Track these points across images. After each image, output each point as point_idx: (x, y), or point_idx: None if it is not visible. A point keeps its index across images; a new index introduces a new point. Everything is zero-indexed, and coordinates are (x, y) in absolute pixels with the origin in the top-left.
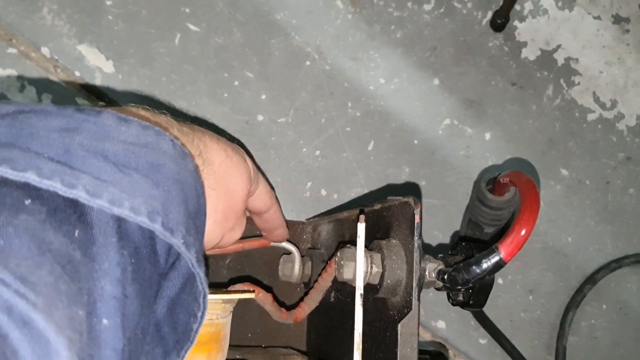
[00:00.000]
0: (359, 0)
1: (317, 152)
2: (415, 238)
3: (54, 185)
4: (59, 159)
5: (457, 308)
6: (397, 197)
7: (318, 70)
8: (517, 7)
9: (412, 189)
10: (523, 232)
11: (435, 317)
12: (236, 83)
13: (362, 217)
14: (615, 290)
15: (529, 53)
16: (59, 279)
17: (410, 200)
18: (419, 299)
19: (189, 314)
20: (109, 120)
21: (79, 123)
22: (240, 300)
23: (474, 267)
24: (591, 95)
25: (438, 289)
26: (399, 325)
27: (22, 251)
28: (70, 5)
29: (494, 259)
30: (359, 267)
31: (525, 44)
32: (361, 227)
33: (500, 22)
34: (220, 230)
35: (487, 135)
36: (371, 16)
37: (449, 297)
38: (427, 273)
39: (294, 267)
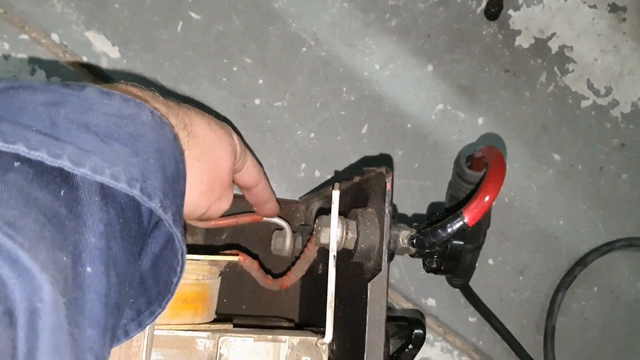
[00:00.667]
0: None
1: (312, 135)
2: (386, 204)
3: (42, 155)
4: (45, 131)
5: (448, 287)
6: (373, 168)
7: (314, 57)
8: None
9: (387, 162)
10: (487, 198)
11: (426, 295)
12: (235, 68)
13: (336, 184)
14: (606, 273)
15: (523, 41)
16: (44, 228)
17: (383, 170)
18: (388, 261)
19: (170, 269)
20: (92, 94)
21: (64, 97)
22: (234, 273)
23: (439, 230)
24: (585, 82)
25: (412, 256)
26: (369, 284)
27: (10, 203)
28: None
29: (458, 223)
30: (333, 232)
31: (519, 32)
32: (335, 194)
33: (493, 10)
34: (207, 200)
35: (480, 120)
36: (367, 4)
37: (424, 264)
38: (400, 240)
39: (285, 242)
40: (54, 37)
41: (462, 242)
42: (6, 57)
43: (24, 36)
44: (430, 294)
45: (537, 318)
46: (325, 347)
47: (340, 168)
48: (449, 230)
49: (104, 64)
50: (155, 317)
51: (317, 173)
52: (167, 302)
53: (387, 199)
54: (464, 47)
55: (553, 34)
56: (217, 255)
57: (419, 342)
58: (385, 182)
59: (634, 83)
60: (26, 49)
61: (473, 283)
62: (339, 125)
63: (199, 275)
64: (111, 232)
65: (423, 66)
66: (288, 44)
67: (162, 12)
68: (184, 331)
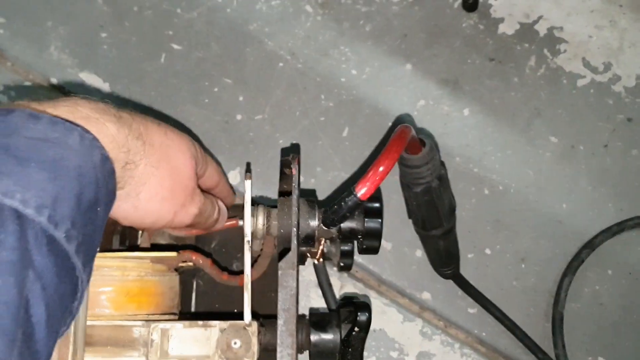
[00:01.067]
0: (327, 3)
1: (293, 142)
2: (293, 185)
3: None
4: None
5: (442, 279)
6: (286, 157)
7: (291, 70)
8: None
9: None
10: (380, 169)
11: (420, 289)
12: (216, 89)
13: (248, 174)
14: (621, 254)
15: (507, 28)
16: None
17: (290, 157)
18: (297, 240)
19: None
20: (17, 118)
21: None
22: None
23: (336, 207)
24: (580, 61)
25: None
26: (279, 264)
27: None
28: (71, 41)
29: (352, 199)
30: (247, 219)
31: (502, 19)
32: (247, 183)
33: (471, 1)
34: (170, 206)
35: (466, 112)
36: (339, 15)
37: (359, 249)
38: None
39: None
40: (53, 80)
41: (379, 220)
42: (12, 100)
43: (28, 83)
44: (425, 287)
45: (545, 306)
46: (254, 330)
47: (323, 171)
48: (344, 206)
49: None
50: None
51: (301, 178)
52: (70, 320)
53: (294, 183)
54: (443, 41)
55: (540, 17)
56: (153, 252)
57: (364, 325)
58: (290, 168)
59: (637, 55)
60: (30, 94)
61: (469, 274)
62: (319, 131)
63: (140, 272)
64: (26, 248)
65: (401, 65)
66: (265, 61)
67: (146, 47)
68: (120, 320)
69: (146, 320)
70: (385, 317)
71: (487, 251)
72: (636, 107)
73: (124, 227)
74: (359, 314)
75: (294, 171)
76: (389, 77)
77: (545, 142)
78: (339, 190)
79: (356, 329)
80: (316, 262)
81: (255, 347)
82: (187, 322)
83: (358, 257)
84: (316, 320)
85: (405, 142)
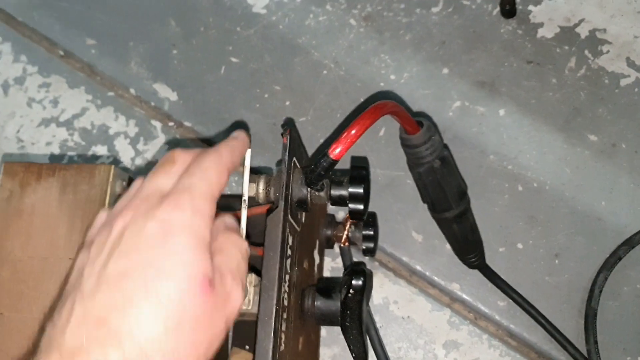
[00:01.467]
0: (370, 15)
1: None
2: (285, 154)
3: None
4: None
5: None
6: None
7: (334, 76)
8: None
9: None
10: (352, 131)
11: (450, 280)
12: (266, 95)
13: (248, 150)
14: None
15: (546, 32)
16: None
17: (284, 130)
18: (285, 199)
19: None
20: None
21: None
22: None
23: (312, 167)
24: (624, 61)
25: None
26: (267, 219)
27: None
28: (148, 57)
29: (327, 159)
30: (245, 183)
31: (541, 24)
32: (248, 152)
33: (509, 7)
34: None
35: (502, 112)
36: (381, 26)
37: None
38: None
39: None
40: (132, 91)
41: (361, 185)
42: (98, 109)
43: (111, 93)
44: (454, 278)
45: (579, 302)
46: (251, 280)
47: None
48: (319, 165)
49: (166, 106)
50: None
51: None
52: None
53: (283, 150)
54: (480, 46)
55: (581, 20)
56: None
57: (359, 289)
58: (284, 138)
59: None
60: (112, 102)
61: (500, 267)
62: None
63: None
64: None
65: (438, 70)
66: (311, 69)
67: (209, 61)
68: None
69: None
70: (413, 305)
71: (520, 246)
72: None
73: None
74: (353, 277)
75: (285, 140)
76: (426, 81)
77: (584, 141)
78: (375, 184)
79: (351, 291)
80: (342, 245)
81: (251, 296)
82: None
83: (388, 247)
84: (322, 287)
85: (382, 112)
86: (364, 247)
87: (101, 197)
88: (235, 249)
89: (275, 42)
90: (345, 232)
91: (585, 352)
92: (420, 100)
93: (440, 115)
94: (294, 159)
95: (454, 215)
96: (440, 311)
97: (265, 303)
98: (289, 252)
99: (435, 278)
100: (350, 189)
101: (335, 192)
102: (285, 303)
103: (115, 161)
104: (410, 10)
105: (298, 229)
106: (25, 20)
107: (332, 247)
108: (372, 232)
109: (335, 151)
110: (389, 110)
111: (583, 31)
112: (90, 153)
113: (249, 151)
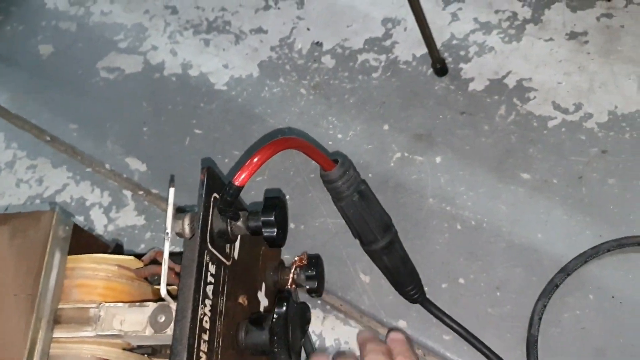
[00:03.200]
0: (319, 84)
1: (287, 197)
2: (201, 189)
3: None
4: None
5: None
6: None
7: None
8: (461, 52)
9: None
10: (254, 160)
11: (396, 317)
12: (226, 160)
13: (172, 183)
14: (602, 279)
15: (477, 85)
16: None
17: (202, 169)
18: (200, 228)
19: None
20: None
21: None
22: None
23: (221, 197)
24: (550, 104)
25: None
26: (184, 246)
27: None
28: (122, 135)
29: (232, 187)
30: (168, 218)
31: (472, 79)
32: (171, 191)
33: (439, 66)
34: None
35: (438, 159)
36: (328, 93)
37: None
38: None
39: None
40: (107, 166)
41: (272, 213)
42: (77, 183)
43: (89, 169)
44: (401, 315)
45: (522, 332)
46: (174, 307)
47: (312, 218)
48: (226, 193)
49: (136, 177)
50: None
51: (292, 225)
52: None
53: (201, 186)
54: (417, 103)
55: (509, 72)
56: (122, 257)
57: (283, 315)
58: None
59: (608, 93)
60: (90, 177)
61: (443, 303)
62: (310, 185)
63: (107, 273)
64: None
65: (379, 126)
66: (267, 134)
67: (176, 134)
68: (81, 304)
69: (100, 303)
70: None
71: (461, 281)
72: (610, 139)
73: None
74: (277, 304)
75: (202, 176)
76: (369, 137)
77: (517, 179)
78: (326, 233)
79: (275, 316)
80: (289, 288)
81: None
82: (129, 303)
83: (338, 291)
84: (254, 318)
85: (285, 146)
86: (307, 287)
87: (44, 240)
88: None
89: (235, 113)
90: (291, 275)
91: None
92: (364, 154)
93: (382, 166)
94: (215, 194)
95: (381, 247)
96: None
97: (179, 322)
98: (211, 279)
99: (384, 317)
100: (263, 218)
101: (252, 222)
102: (207, 326)
103: (90, 230)
104: (353, 77)
105: (227, 262)
106: (19, 112)
107: (282, 291)
108: (314, 273)
109: (239, 179)
110: (293, 145)
111: (511, 81)
112: None
113: (172, 189)
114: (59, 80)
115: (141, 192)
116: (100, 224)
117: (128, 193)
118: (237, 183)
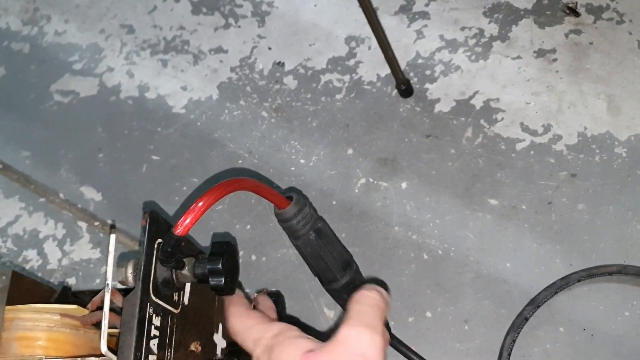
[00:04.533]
0: (280, 107)
1: (248, 227)
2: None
3: None
4: None
5: None
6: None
7: (248, 165)
8: (427, 72)
9: None
10: (198, 205)
11: None
12: (184, 188)
13: (113, 230)
14: (572, 310)
15: (443, 106)
16: None
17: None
18: (142, 280)
19: None
20: None
21: None
22: None
23: (162, 248)
24: (518, 126)
25: (195, 280)
26: (124, 300)
27: None
28: (76, 163)
29: (172, 236)
30: (109, 267)
31: (438, 100)
32: (112, 237)
33: (404, 87)
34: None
35: (404, 185)
36: (290, 115)
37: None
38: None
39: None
40: (61, 195)
41: (219, 260)
42: (30, 214)
43: (42, 199)
44: None
45: None
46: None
47: (273, 249)
48: (167, 243)
49: (91, 207)
50: None
51: (253, 257)
52: None
53: (142, 232)
54: (381, 126)
55: (475, 92)
56: (65, 306)
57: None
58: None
59: (577, 114)
60: (43, 208)
61: (410, 338)
62: (271, 214)
63: (49, 323)
64: None
65: (343, 151)
66: (227, 160)
67: (132, 161)
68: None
69: (41, 358)
70: None
71: (428, 314)
72: (580, 162)
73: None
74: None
75: (144, 222)
76: (332, 162)
77: (484, 205)
78: (288, 265)
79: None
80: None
81: None
82: (71, 359)
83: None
84: None
85: (233, 188)
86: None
87: None
88: None
89: (194, 138)
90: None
91: None
92: (328, 180)
93: (346, 193)
94: (159, 239)
95: (342, 286)
96: None
97: None
98: (155, 332)
99: None
100: (209, 266)
101: (198, 270)
102: None
103: (44, 264)
104: (316, 99)
105: (175, 310)
106: None
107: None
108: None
109: (180, 227)
110: (243, 186)
111: (478, 102)
112: (20, 258)
113: (112, 236)
114: (11, 104)
115: (97, 223)
116: (54, 258)
117: (83, 224)
118: (178, 232)
